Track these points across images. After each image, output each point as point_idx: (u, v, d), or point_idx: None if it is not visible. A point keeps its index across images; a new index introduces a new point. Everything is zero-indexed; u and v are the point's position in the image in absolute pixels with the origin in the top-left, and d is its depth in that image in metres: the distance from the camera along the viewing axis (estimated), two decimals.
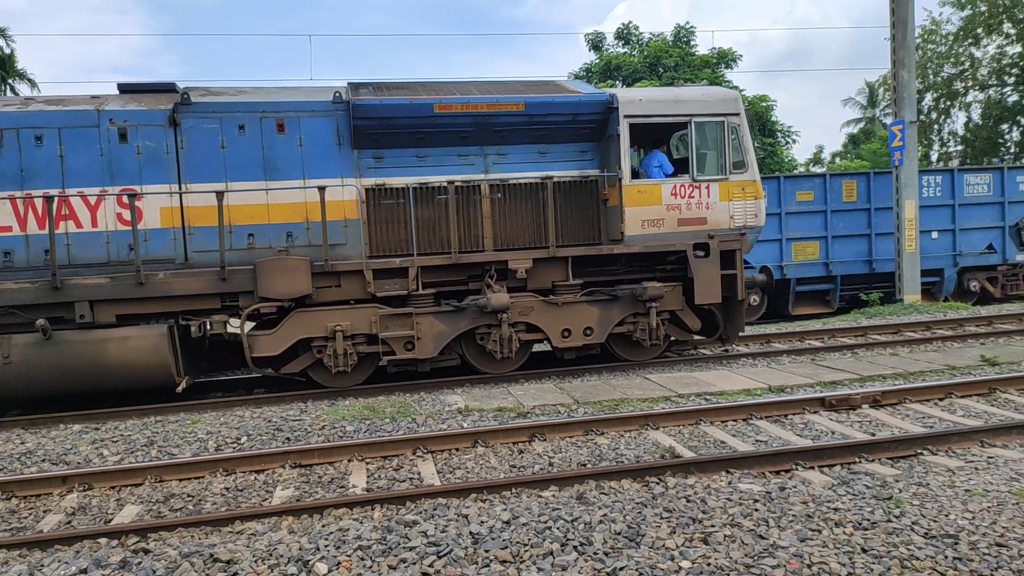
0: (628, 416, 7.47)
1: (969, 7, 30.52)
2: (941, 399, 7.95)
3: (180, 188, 9.19)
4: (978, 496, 5.01)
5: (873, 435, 6.72)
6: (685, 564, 4.03)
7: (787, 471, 5.90)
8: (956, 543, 4.26)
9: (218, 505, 5.84)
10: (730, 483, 5.54)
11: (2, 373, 8.60)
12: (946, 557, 4.10)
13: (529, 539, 4.43)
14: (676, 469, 5.85)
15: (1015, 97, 31.47)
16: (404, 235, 9.74)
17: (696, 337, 11.08)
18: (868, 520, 4.61)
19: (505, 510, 4.95)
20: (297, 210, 9.45)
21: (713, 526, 4.57)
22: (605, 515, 4.79)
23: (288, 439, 7.45)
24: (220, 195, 8.91)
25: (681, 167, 10.41)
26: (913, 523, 4.56)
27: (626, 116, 9.94)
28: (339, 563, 4.16)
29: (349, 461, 6.65)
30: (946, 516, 4.67)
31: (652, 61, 28.35)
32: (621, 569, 4.00)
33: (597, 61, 29.64)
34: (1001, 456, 6.01)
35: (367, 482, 6.13)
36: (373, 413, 8.27)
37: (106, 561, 4.34)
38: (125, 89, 9.73)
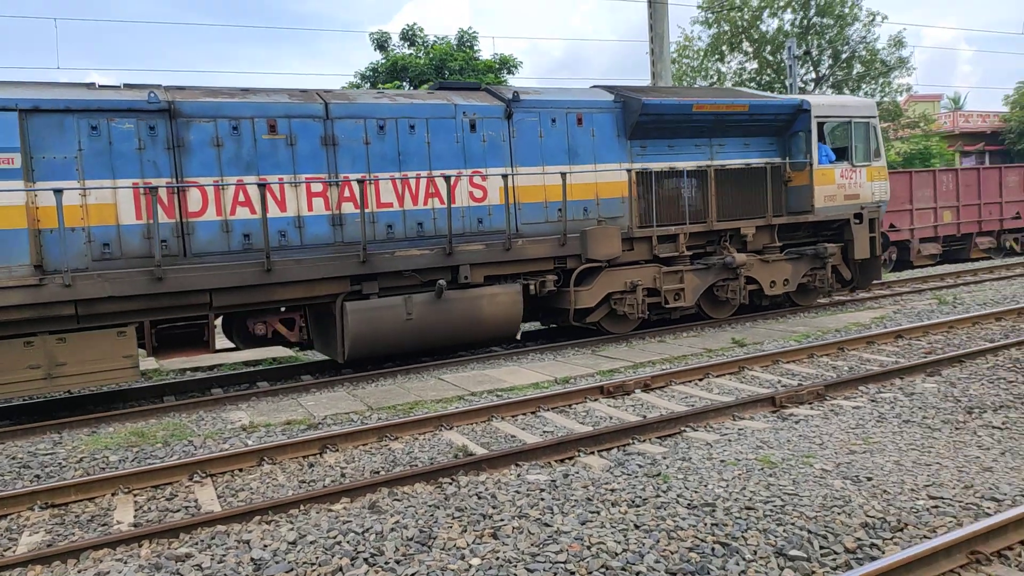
0: (422, 418, 7.46)
1: (715, 27, 34.31)
2: (701, 379, 8.84)
3: (512, 170, 10.79)
4: (731, 465, 5.61)
5: (644, 417, 7.29)
6: (475, 561, 4.10)
7: (571, 458, 6.22)
8: (713, 510, 4.74)
9: None
10: (519, 475, 5.73)
11: (406, 328, 9.91)
12: (705, 524, 4.55)
13: (317, 557, 4.26)
14: (468, 467, 5.94)
15: None
16: (660, 208, 11.89)
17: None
18: (640, 497, 4.98)
19: (292, 530, 4.72)
20: (590, 189, 11.44)
21: (502, 520, 4.69)
22: (398, 522, 4.74)
23: (38, 476, 6.54)
24: (564, 175, 10.90)
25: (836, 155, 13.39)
26: (678, 496, 5.01)
27: (816, 116, 12.76)
28: None
29: (113, 495, 5.98)
30: (705, 486, 5.18)
31: (438, 64, 28.66)
32: (412, 575, 3.97)
33: (383, 61, 29.36)
34: (749, 427, 6.80)
35: (135, 516, 5.54)
36: (142, 439, 7.52)
37: None
38: (441, 87, 11.67)
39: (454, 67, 28.41)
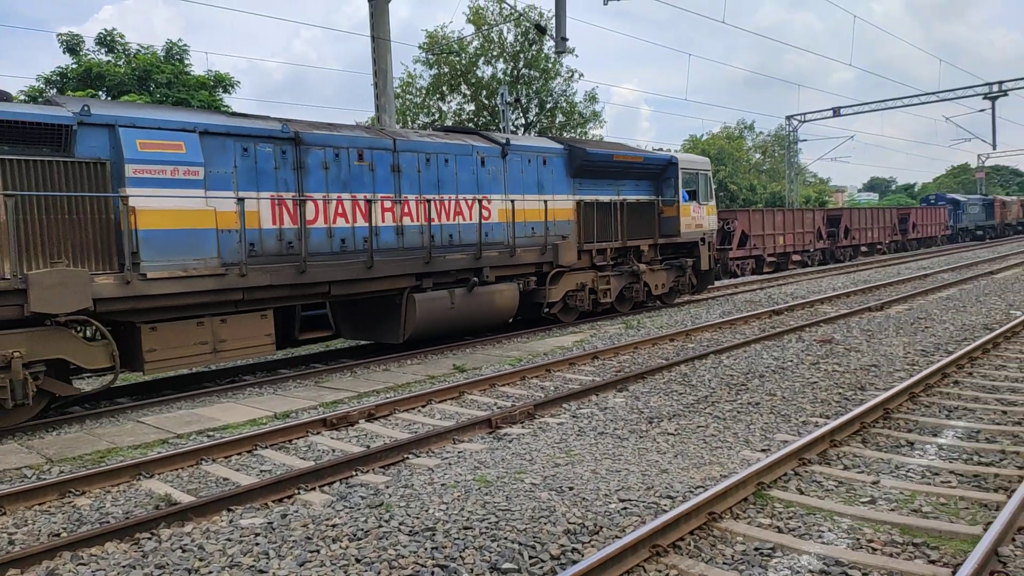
0: (116, 468, 6.63)
1: (436, 67, 35.84)
2: (424, 406, 9.03)
3: (506, 196, 13.93)
4: (451, 488, 5.80)
5: (368, 447, 7.24)
6: None
7: (290, 497, 5.95)
8: (434, 534, 4.86)
9: None
10: (231, 521, 5.35)
11: (450, 314, 12.94)
12: (426, 549, 4.64)
13: None
14: (172, 518, 5.39)
15: None
16: (594, 230, 15.64)
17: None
18: (362, 530, 4.93)
19: None
20: (550, 213, 14.76)
21: (210, 572, 4.34)
22: None
23: None
24: (546, 202, 14.59)
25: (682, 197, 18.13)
26: (400, 524, 5.05)
27: (681, 168, 17.65)
28: None
29: None
30: (427, 511, 5.29)
31: (142, 75, 26.09)
32: None
33: (75, 66, 25.97)
34: (468, 449, 7.09)
35: None
36: None
37: None
38: (447, 128, 14.86)
39: (160, 80, 26.12)
